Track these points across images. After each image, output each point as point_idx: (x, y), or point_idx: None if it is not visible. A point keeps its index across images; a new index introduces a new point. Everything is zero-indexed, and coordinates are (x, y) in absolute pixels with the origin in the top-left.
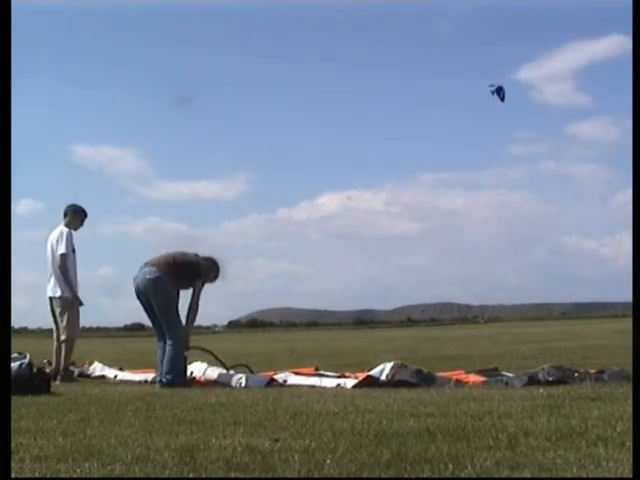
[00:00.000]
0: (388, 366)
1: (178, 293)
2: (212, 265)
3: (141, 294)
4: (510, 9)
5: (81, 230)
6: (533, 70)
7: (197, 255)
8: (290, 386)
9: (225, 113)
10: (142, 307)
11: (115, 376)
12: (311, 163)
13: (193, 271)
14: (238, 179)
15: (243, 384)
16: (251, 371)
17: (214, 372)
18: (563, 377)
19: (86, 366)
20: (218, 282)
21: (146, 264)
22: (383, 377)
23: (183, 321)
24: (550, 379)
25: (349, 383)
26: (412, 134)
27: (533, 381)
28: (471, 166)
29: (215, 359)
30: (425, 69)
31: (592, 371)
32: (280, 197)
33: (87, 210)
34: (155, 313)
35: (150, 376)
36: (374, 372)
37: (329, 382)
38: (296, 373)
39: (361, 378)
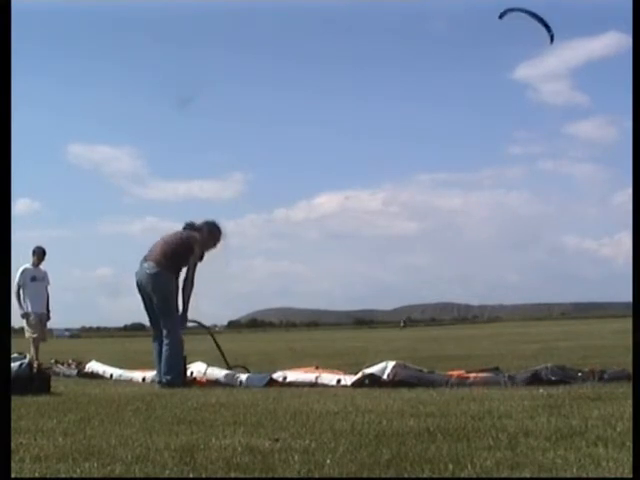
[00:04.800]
0: (390, 365)
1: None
2: (209, 231)
3: (142, 289)
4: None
5: (79, 230)
6: (529, 69)
7: (192, 225)
8: (290, 385)
9: (222, 113)
10: (142, 301)
11: (111, 375)
12: (308, 163)
13: (187, 249)
14: (235, 179)
15: (243, 383)
16: (248, 372)
17: (214, 372)
18: (565, 377)
19: (84, 365)
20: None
21: (145, 259)
22: (384, 376)
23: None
24: (553, 378)
25: (349, 380)
26: (410, 134)
27: (536, 378)
28: (469, 166)
29: (217, 348)
30: (422, 69)
31: (593, 371)
32: (278, 197)
33: (85, 210)
34: (154, 309)
35: (149, 374)
36: (375, 370)
37: (329, 378)
38: None
39: (361, 375)
